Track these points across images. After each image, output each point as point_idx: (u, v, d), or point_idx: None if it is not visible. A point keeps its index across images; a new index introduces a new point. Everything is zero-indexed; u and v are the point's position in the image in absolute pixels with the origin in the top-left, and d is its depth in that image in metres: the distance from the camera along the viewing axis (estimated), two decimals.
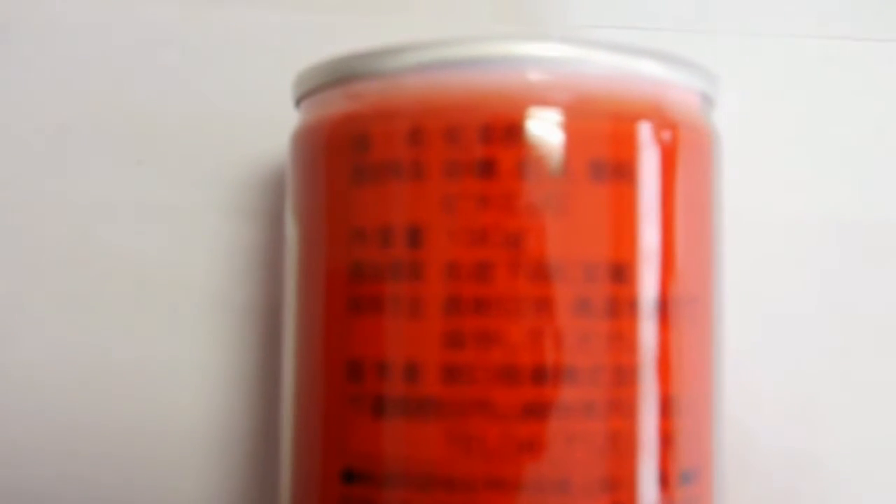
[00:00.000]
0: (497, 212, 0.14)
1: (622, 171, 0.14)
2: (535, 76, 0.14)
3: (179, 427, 0.20)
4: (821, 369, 0.20)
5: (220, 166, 0.21)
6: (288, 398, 0.16)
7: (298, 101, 0.17)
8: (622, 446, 0.14)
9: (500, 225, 0.14)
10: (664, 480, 0.14)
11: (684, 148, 0.15)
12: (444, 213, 0.14)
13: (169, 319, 0.20)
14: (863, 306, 0.21)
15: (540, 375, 0.14)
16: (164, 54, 0.21)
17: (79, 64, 0.21)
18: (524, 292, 0.14)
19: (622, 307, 0.14)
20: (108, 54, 0.21)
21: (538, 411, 0.14)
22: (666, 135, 0.15)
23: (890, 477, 0.20)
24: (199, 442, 0.20)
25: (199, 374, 0.20)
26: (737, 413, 0.20)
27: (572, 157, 0.14)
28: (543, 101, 0.14)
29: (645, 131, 0.15)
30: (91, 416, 0.20)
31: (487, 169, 0.14)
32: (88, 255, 0.20)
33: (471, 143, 0.14)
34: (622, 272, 0.14)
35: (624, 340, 0.14)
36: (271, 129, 0.21)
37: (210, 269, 0.20)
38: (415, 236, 0.14)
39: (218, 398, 0.20)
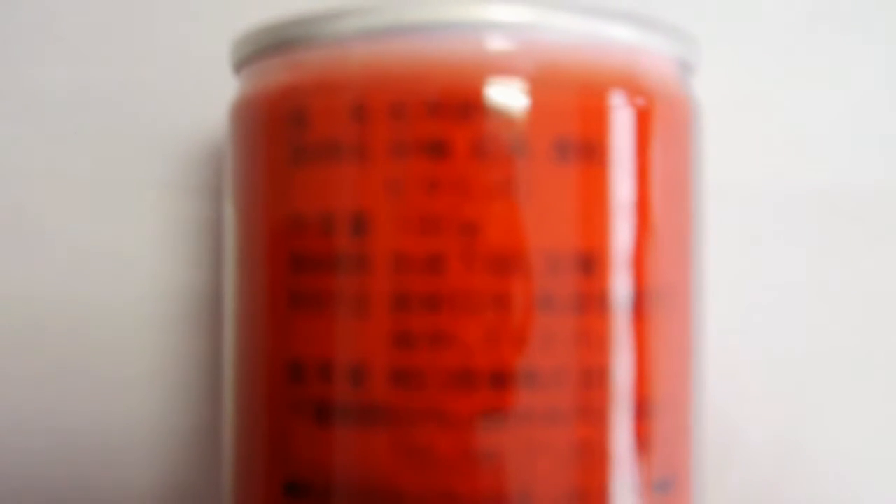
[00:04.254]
0: (450, 197, 0.12)
1: (591, 150, 0.13)
2: (493, 44, 0.13)
3: (121, 417, 0.19)
4: (809, 355, 0.19)
5: (160, 138, 0.19)
6: (229, 401, 0.14)
7: (237, 70, 0.15)
8: (591, 455, 0.13)
9: (454, 211, 0.12)
10: (638, 490, 0.13)
11: (661, 122, 0.14)
12: (390, 198, 0.12)
13: (107, 300, 0.19)
14: (855, 288, 0.19)
15: (498, 379, 0.12)
16: (98, 19, 0.19)
17: (10, 33, 0.19)
18: (480, 286, 0.12)
19: (591, 302, 0.13)
20: (42, 22, 0.19)
21: (496, 419, 0.12)
22: (640, 108, 0.13)
23: (879, 465, 0.19)
24: (144, 434, 0.19)
25: (139, 356, 0.19)
26: (720, 402, 0.19)
27: (536, 134, 0.13)
28: (503, 72, 0.13)
29: (617, 104, 0.13)
30: (23, 413, 0.19)
31: (438, 149, 0.12)
32: (21, 231, 0.19)
33: (419, 119, 0.12)
34: (591, 263, 0.13)
35: (592, 339, 0.13)
36: (218, 97, 0.19)
37: (149, 247, 0.19)
38: (359, 224, 0.13)
39: (159, 380, 0.19)
